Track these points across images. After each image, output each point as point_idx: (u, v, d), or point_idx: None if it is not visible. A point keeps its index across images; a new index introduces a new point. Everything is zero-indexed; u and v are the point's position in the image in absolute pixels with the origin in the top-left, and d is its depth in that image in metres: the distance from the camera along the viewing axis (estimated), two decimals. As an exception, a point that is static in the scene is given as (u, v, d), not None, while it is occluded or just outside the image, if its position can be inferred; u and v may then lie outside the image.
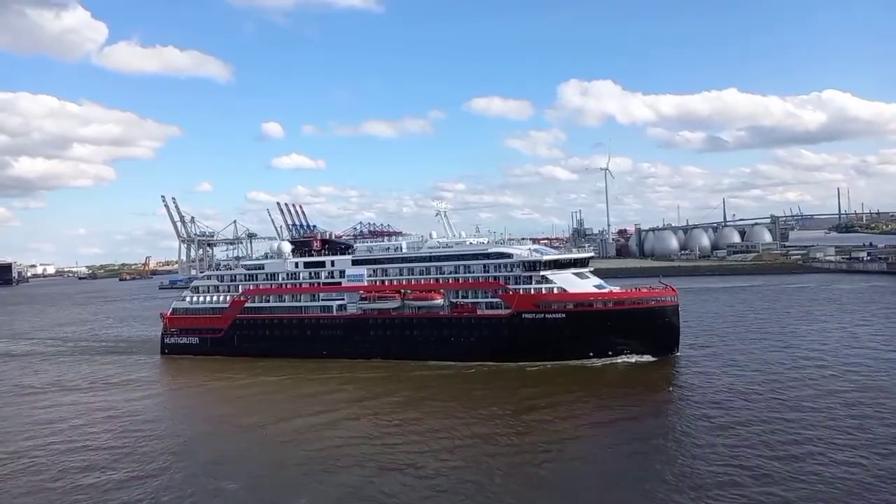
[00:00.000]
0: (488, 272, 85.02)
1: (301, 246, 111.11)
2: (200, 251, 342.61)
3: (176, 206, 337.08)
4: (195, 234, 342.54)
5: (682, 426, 53.33)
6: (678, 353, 78.68)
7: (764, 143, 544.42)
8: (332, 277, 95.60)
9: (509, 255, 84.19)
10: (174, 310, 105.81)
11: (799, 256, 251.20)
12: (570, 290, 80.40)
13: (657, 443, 49.55)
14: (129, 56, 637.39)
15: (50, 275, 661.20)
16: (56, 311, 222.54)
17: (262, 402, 70.25)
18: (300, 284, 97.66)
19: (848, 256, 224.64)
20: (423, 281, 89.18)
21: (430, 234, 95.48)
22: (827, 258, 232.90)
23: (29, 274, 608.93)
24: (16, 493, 46.66)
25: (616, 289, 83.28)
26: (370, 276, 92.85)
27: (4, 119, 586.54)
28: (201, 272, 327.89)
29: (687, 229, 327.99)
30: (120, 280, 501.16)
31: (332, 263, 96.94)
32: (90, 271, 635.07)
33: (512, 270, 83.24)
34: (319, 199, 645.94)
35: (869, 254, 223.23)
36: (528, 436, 53.48)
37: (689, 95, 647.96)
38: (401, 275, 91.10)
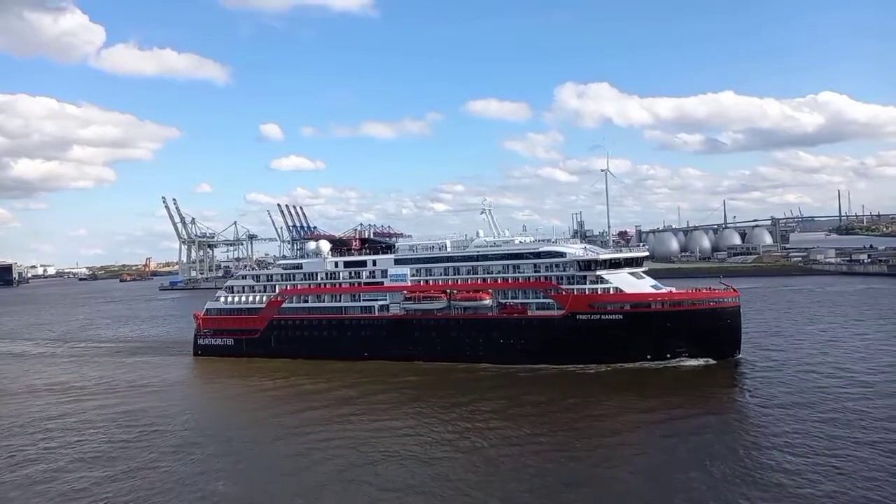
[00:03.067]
0: (539, 272, 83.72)
1: (339, 245, 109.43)
2: (201, 252, 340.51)
3: (176, 208, 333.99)
4: (196, 236, 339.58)
5: (754, 436, 50.27)
6: (739, 356, 77.64)
7: (762, 145, 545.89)
8: (374, 277, 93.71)
9: (562, 255, 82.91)
10: (208, 310, 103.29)
11: (799, 258, 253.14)
12: (627, 290, 79.32)
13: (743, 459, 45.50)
14: (127, 58, 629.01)
15: (50, 275, 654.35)
16: (67, 311, 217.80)
17: (299, 404, 67.88)
18: (340, 284, 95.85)
19: (848, 258, 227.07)
20: (469, 281, 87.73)
21: (477, 233, 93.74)
22: (827, 260, 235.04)
23: (29, 275, 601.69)
24: (15, 489, 46.14)
25: (673, 289, 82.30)
26: (413, 275, 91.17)
27: (4, 120, 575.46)
28: (202, 273, 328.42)
29: (687, 231, 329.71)
30: (120, 281, 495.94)
31: (374, 263, 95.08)
32: (91, 272, 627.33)
33: (565, 270, 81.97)
34: (319, 201, 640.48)
35: (869, 256, 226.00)
36: (590, 441, 51.65)
37: (686, 98, 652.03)
38: (446, 274, 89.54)
